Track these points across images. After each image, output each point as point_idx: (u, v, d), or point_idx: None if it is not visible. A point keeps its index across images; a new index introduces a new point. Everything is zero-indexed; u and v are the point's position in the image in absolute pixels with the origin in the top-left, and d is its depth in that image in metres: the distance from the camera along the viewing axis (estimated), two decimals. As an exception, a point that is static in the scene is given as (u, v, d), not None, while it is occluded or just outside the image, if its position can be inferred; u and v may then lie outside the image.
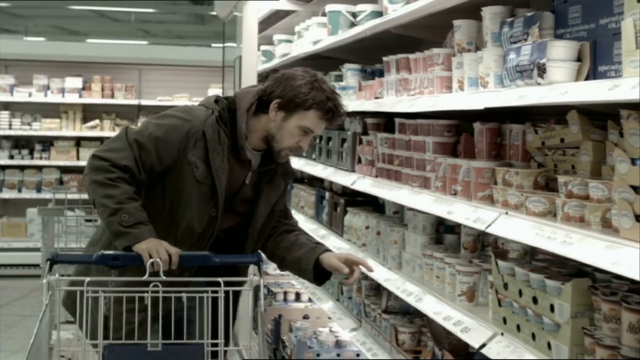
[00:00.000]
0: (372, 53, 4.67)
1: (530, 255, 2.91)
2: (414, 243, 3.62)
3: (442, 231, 3.61)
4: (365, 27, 4.26)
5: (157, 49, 13.43)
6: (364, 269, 3.22)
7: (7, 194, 10.77)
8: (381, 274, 3.80)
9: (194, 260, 3.03)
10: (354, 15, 4.77)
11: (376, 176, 4.05)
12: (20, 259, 10.41)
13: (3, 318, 8.28)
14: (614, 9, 2.24)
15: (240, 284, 2.90)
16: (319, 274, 3.23)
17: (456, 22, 3.19)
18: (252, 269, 3.24)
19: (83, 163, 10.59)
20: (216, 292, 2.79)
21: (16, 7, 15.32)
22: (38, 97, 10.72)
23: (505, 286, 2.66)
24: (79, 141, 10.97)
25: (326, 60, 5.57)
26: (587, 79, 2.32)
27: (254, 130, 3.18)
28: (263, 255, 3.26)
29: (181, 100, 10.96)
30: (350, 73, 4.84)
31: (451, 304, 3.08)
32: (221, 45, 10.84)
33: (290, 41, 6.40)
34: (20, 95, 10.72)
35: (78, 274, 3.21)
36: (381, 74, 4.22)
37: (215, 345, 2.82)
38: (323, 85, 3.14)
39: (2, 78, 10.73)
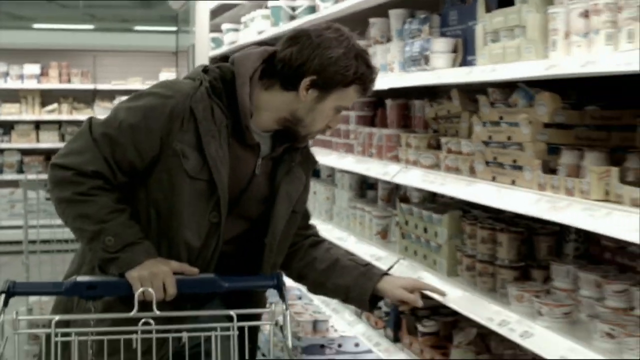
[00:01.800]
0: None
1: (429, 200, 3.75)
2: (342, 198, 4.46)
3: (365, 188, 4.46)
4: (302, 20, 5.06)
5: (111, 36, 14.04)
6: (435, 295, 2.82)
7: (-30, 175, 11.40)
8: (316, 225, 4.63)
9: (195, 286, 2.36)
10: (293, 9, 5.56)
11: (312, 146, 4.86)
12: (-16, 236, 11.02)
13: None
14: (476, 15, 3.08)
15: (258, 315, 2.37)
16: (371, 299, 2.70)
17: (371, 20, 4.01)
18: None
19: (43, 145, 11.34)
20: (227, 328, 2.26)
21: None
22: (-3, 84, 11.36)
23: (406, 222, 3.51)
24: (38, 125, 11.58)
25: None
26: (461, 65, 3.17)
27: (265, 108, 2.47)
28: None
29: (134, 83, 11.66)
30: (290, 59, 5.65)
31: (369, 242, 3.93)
32: (168, 29, 11.56)
33: (237, 30, 7.16)
34: (-20, 81, 11.33)
35: (57, 308, 2.54)
36: (315, 60, 5.03)
37: None
38: (362, 53, 2.50)
39: (-38, 65, 11.34)
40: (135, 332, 2.21)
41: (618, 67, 2.04)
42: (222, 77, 2.47)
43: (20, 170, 11.25)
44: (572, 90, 2.84)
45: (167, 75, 11.37)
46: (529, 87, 2.74)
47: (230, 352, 2.28)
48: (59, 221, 2.41)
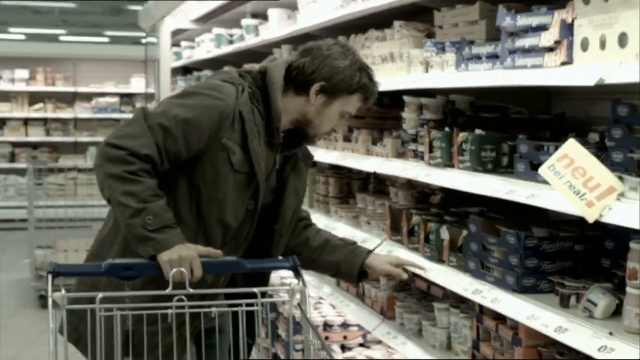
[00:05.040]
0: (242, 60, 7.56)
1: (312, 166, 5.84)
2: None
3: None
4: (236, 46, 7.16)
5: (89, 46, 16.13)
6: (415, 269, 3.21)
7: (-32, 164, 13.41)
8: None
9: (222, 268, 2.63)
10: (231, 35, 7.65)
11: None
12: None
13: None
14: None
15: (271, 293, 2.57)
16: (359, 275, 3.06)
17: (274, 50, 6.10)
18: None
19: (31, 138, 13.36)
20: (251, 304, 2.44)
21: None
22: (-8, 86, 13.39)
23: (289, 178, 5.62)
24: (26, 121, 13.60)
25: (216, 63, 8.44)
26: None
27: (285, 111, 2.77)
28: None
29: (109, 87, 13.71)
30: (229, 72, 7.77)
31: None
32: (136, 34, 13.52)
33: (192, 47, 9.24)
34: (-23, 84, 13.36)
35: (79, 290, 2.76)
36: (244, 74, 7.15)
37: None
38: (365, 67, 2.87)
39: (-40, 70, 13.35)
40: (170, 307, 2.38)
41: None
42: (256, 84, 2.79)
43: (12, 160, 13.25)
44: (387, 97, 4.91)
45: (138, 80, 13.45)
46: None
47: (239, 326, 2.48)
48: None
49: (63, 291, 2.34)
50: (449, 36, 3.58)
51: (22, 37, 23.40)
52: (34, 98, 13.64)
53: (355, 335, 4.75)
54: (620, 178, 2.37)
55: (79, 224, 9.29)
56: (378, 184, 4.96)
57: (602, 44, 2.43)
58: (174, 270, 2.44)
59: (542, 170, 2.48)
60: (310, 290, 5.24)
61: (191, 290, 2.42)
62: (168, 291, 2.41)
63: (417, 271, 3.30)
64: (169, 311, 2.39)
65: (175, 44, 9.81)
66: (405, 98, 3.86)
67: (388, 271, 3.04)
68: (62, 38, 21.97)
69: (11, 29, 23.16)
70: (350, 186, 4.99)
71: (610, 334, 2.42)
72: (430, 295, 3.92)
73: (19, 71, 13.44)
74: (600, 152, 2.61)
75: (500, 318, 3.05)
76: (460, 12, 3.50)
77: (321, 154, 4.82)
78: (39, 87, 13.52)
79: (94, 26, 25.51)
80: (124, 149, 2.55)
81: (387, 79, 3.92)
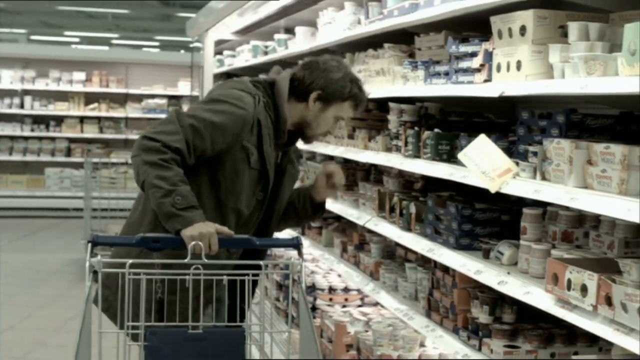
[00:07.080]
0: (274, 68, 8.62)
1: (321, 160, 6.88)
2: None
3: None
4: (270, 56, 8.20)
5: (141, 51, 17.42)
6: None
7: (30, 157, 14.66)
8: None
9: (236, 244, 3.03)
10: (266, 46, 8.70)
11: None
12: (40, 203, 14.22)
13: (35, 242, 12.21)
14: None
15: (273, 267, 2.98)
16: (314, 208, 3.48)
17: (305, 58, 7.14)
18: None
19: (86, 135, 14.56)
20: (257, 275, 2.85)
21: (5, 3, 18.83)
22: (52, 86, 14.62)
23: (308, 171, 6.67)
24: (82, 119, 14.80)
25: (252, 70, 9.52)
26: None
27: (288, 116, 3.19)
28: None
29: (158, 89, 14.89)
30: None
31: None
32: (183, 39, 14.61)
33: (233, 56, 10.34)
34: (40, 84, 14.57)
35: (116, 257, 3.12)
36: (275, 81, 8.21)
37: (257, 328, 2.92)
38: (355, 79, 3.30)
39: (26, 72, 14.56)
40: (188, 274, 2.77)
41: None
42: (267, 93, 3.22)
43: (68, 154, 14.49)
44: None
45: (184, 83, 14.61)
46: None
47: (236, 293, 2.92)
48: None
49: (99, 257, 2.76)
50: (424, 57, 4.59)
51: (77, 39, 24.83)
52: (90, 98, 14.81)
53: (354, 298, 5.79)
54: (517, 163, 3.38)
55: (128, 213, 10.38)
56: (377, 174, 5.99)
57: (508, 68, 3.43)
58: (193, 242, 2.81)
59: (460, 156, 3.50)
60: (321, 262, 6.34)
61: (206, 261, 2.80)
62: (187, 260, 2.79)
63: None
64: (187, 277, 2.79)
65: (218, 52, 10.89)
66: (390, 104, 4.89)
67: (322, 175, 3.50)
68: (114, 42, 23.40)
69: (66, 32, 24.59)
70: (355, 176, 6.02)
71: (508, 273, 3.42)
72: (407, 260, 4.94)
73: (76, 73, 14.62)
74: (512, 145, 3.61)
75: (446, 270, 4.06)
76: (432, 38, 4.51)
77: (331, 149, 5.86)
78: (94, 88, 14.66)
79: (145, 31, 26.92)
80: (159, 141, 2.96)
81: (379, 89, 4.96)
